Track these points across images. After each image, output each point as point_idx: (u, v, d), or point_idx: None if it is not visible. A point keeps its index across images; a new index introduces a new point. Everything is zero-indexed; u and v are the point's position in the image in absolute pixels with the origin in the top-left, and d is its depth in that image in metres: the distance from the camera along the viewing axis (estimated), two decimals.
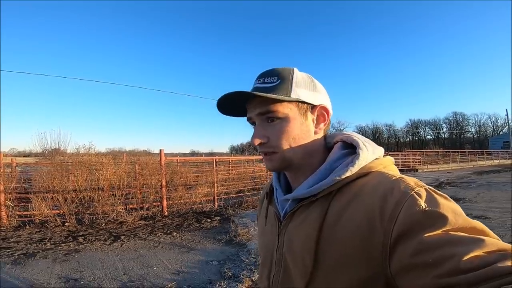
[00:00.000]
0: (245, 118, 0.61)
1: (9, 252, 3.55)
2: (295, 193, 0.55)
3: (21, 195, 5.43)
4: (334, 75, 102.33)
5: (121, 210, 5.38)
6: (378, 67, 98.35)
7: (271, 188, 0.67)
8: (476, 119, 61.39)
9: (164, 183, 6.02)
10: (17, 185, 5.38)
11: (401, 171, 16.66)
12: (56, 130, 15.92)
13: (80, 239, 4.16)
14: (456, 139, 60.54)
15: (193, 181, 6.83)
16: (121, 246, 3.95)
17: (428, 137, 64.92)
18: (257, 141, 0.55)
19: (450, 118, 63.79)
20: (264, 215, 0.68)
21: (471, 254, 0.34)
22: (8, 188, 5.06)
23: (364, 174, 0.51)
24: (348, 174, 0.50)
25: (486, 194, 8.23)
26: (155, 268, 3.17)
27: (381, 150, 0.56)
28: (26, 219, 5.05)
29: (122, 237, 4.30)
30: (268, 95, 0.52)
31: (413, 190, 0.43)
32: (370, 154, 0.53)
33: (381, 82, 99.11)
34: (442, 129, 64.72)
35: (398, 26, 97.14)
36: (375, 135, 67.66)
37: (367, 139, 0.57)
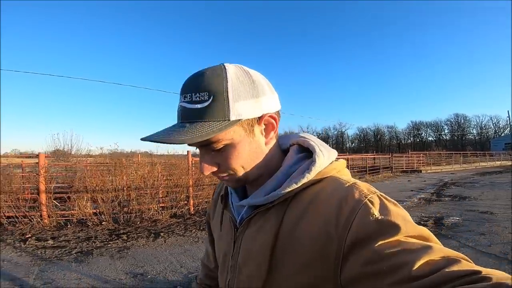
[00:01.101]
0: None
1: (65, 250, 3.80)
2: (251, 200, 0.54)
3: (59, 195, 5.71)
4: (335, 76, 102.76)
5: (155, 208, 5.69)
6: (379, 68, 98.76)
7: (226, 191, 0.64)
8: (478, 120, 62.14)
9: (191, 183, 6.34)
10: (56, 185, 5.67)
11: (405, 172, 17.10)
12: (69, 131, 16.20)
13: (124, 237, 4.45)
14: (458, 140, 61.02)
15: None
16: (165, 242, 4.25)
17: (430, 138, 65.51)
18: (207, 172, 0.51)
19: (452, 120, 64.50)
20: (219, 220, 0.66)
21: (422, 261, 0.35)
22: (49, 188, 5.34)
23: (318, 180, 0.50)
24: (304, 181, 0.49)
25: (490, 193, 8.63)
26: None
27: (334, 154, 0.56)
28: (64, 218, 5.32)
29: (162, 234, 4.60)
30: (203, 135, 0.44)
31: (366, 197, 0.44)
32: (325, 159, 0.52)
33: (382, 84, 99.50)
34: (444, 131, 65.34)
35: (399, 27, 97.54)
36: (377, 137, 68.18)
37: (322, 142, 0.57)
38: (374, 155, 19.07)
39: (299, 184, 0.49)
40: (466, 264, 0.36)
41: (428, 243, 0.39)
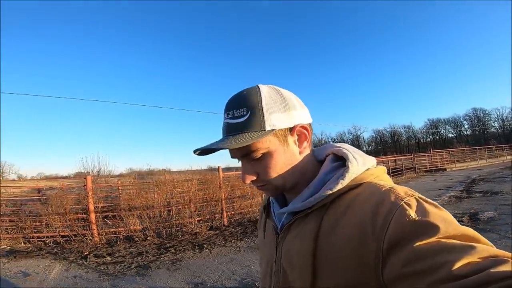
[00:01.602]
0: None
1: (124, 265, 4.08)
2: (290, 206, 0.57)
3: (106, 213, 6.12)
4: (346, 81, 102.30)
5: (194, 222, 6.01)
6: (391, 69, 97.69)
7: (268, 202, 0.70)
8: (498, 113, 60.19)
9: (223, 197, 6.65)
10: (103, 204, 6.11)
11: (429, 171, 16.85)
12: (96, 154, 17.04)
13: (172, 250, 4.73)
14: (480, 135, 59.32)
15: (249, 192, 7.47)
16: (211, 253, 4.51)
17: (450, 135, 63.79)
18: (248, 180, 0.56)
19: (470, 115, 62.73)
20: (262, 228, 0.70)
21: (464, 261, 0.35)
22: (97, 208, 5.76)
23: (355, 185, 0.52)
24: (339, 187, 0.51)
25: None
26: (253, 267, 3.72)
27: (372, 160, 0.58)
28: (112, 235, 5.68)
29: (205, 246, 4.86)
30: (242, 140, 0.51)
31: (403, 200, 0.45)
32: (360, 166, 0.54)
33: (395, 85, 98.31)
34: (463, 126, 63.54)
35: (410, 26, 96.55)
36: (394, 138, 66.90)
37: (357, 150, 0.59)
38: (394, 156, 18.79)
39: (334, 189, 0.51)
40: None
41: (471, 243, 0.38)
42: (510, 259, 0.35)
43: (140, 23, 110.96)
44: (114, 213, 6.09)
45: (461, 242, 0.38)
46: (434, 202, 0.45)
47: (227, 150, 0.55)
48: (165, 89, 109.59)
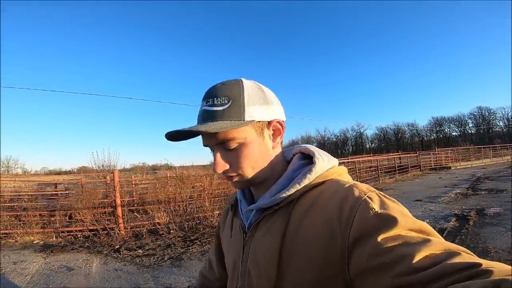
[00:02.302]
0: None
1: (157, 257, 4.31)
2: (258, 203, 0.58)
3: (130, 207, 6.45)
4: (350, 76, 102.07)
5: (215, 215, 6.32)
6: (395, 67, 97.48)
7: (236, 200, 0.70)
8: (504, 112, 60.19)
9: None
10: (129, 199, 6.43)
11: (434, 169, 17.06)
12: (106, 149, 17.22)
13: (198, 242, 4.99)
14: (485, 134, 59.30)
15: None
16: None
17: (454, 133, 63.76)
18: (219, 170, 0.55)
19: (475, 114, 62.84)
20: (229, 227, 0.70)
21: (423, 254, 0.37)
22: (123, 202, 6.06)
23: (321, 182, 0.54)
24: (306, 181, 0.53)
25: None
26: None
27: (335, 161, 0.60)
28: (137, 229, 5.94)
29: None
30: (222, 126, 0.50)
31: (366, 194, 0.47)
32: (326, 163, 0.56)
33: (399, 82, 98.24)
34: (468, 125, 63.57)
35: (415, 25, 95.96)
36: (397, 135, 66.86)
37: (322, 151, 0.61)
38: (399, 154, 18.98)
39: (302, 185, 0.53)
40: (467, 257, 0.36)
41: (428, 237, 0.40)
42: (462, 252, 0.37)
43: (155, 22, 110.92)
44: (138, 207, 6.40)
45: (419, 235, 0.41)
46: (392, 198, 0.48)
47: (200, 136, 0.55)
48: (163, 83, 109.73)
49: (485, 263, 0.34)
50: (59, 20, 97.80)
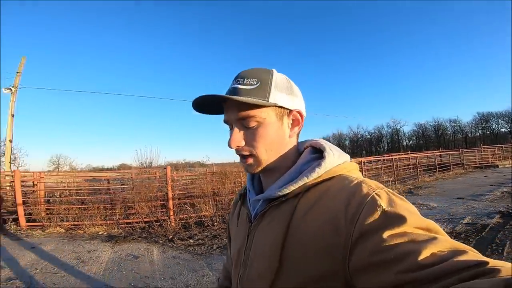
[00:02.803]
0: None
1: (207, 247, 4.74)
2: (265, 194, 0.58)
3: (181, 201, 7.04)
4: (386, 74, 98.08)
5: None
6: (436, 59, 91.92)
7: (244, 189, 0.71)
8: None
9: None
10: (179, 192, 7.15)
11: (479, 167, 16.20)
12: (149, 147, 18.35)
13: None
14: None
15: None
16: None
17: (503, 130, 58.82)
18: (234, 145, 0.56)
19: None
20: (236, 216, 0.71)
21: (428, 251, 0.37)
22: (174, 195, 6.69)
23: (329, 177, 0.54)
24: (315, 175, 0.53)
25: None
26: None
27: (346, 156, 0.60)
28: (185, 221, 6.47)
29: None
30: (247, 99, 0.53)
31: (374, 191, 0.47)
32: (336, 159, 0.56)
33: (440, 76, 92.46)
34: None
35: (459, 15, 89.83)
36: (438, 132, 63.13)
37: (334, 146, 0.61)
38: (440, 151, 18.16)
39: (310, 178, 0.53)
40: (473, 255, 0.36)
41: (434, 235, 0.40)
42: (468, 251, 0.37)
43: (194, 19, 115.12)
44: (186, 201, 7.00)
45: (425, 233, 0.40)
46: (400, 196, 0.47)
47: (223, 114, 0.59)
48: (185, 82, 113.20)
49: (492, 262, 0.34)
50: (108, 21, 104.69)
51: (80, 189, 8.27)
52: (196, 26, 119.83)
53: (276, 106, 0.57)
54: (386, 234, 0.40)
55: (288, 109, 0.59)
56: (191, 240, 5.21)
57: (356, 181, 0.51)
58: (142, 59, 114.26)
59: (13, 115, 11.56)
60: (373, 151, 70.22)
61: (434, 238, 0.39)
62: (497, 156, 18.42)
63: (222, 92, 0.59)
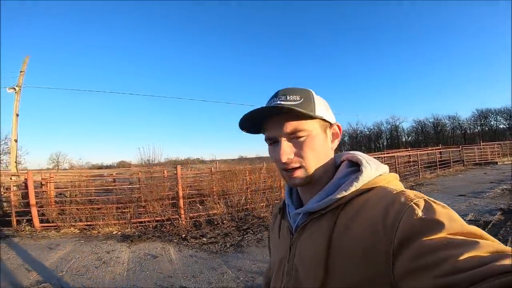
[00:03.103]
0: None
1: (221, 244, 4.85)
2: (305, 207, 0.60)
3: (191, 199, 7.15)
4: (381, 66, 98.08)
5: (262, 207, 6.95)
6: (435, 54, 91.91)
7: (284, 204, 0.72)
8: None
9: (283, 184, 7.49)
10: (190, 191, 7.35)
11: (478, 164, 16.39)
12: (151, 144, 18.29)
13: (250, 231, 5.53)
14: None
15: None
16: None
17: (501, 126, 59.09)
18: (285, 158, 0.57)
19: None
20: (277, 229, 0.73)
21: (468, 255, 0.36)
22: (185, 194, 6.81)
23: (368, 189, 0.55)
24: (353, 189, 0.55)
25: None
26: None
27: (385, 168, 0.61)
28: (194, 220, 6.57)
29: None
30: (303, 111, 0.54)
31: (412, 201, 0.47)
32: (373, 171, 0.58)
33: (439, 72, 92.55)
34: None
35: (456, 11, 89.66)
36: (437, 128, 63.30)
37: (371, 158, 0.62)
38: (440, 148, 18.37)
39: (348, 191, 0.55)
40: None
41: (476, 239, 0.39)
42: None
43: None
44: (195, 199, 7.16)
45: (467, 238, 0.40)
46: (442, 203, 0.47)
47: (267, 128, 0.60)
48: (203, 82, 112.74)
49: None
50: (112, 20, 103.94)
51: (90, 189, 8.31)
52: (186, 22, 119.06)
53: (321, 119, 0.60)
54: (425, 240, 0.41)
55: (329, 122, 0.63)
56: (204, 239, 5.34)
57: (395, 192, 0.52)
58: (138, 57, 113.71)
59: (17, 115, 11.61)
60: (372, 148, 70.57)
61: (476, 243, 0.38)
62: (496, 153, 18.62)
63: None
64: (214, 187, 7.23)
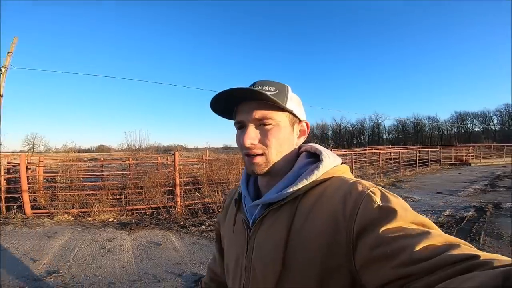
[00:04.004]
0: None
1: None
2: (265, 198, 0.59)
3: (187, 187, 7.09)
4: (367, 64, 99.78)
5: None
6: (418, 56, 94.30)
7: (239, 195, 0.70)
8: None
9: None
10: (186, 179, 7.33)
11: (454, 165, 17.35)
12: (138, 130, 17.68)
13: None
14: (509, 131, 57.23)
15: None
16: None
17: (476, 129, 62.15)
18: (248, 142, 0.57)
19: (502, 110, 60.74)
20: (231, 222, 0.70)
21: (422, 245, 0.38)
22: (181, 182, 6.83)
23: (326, 179, 0.57)
24: (314, 177, 0.55)
25: None
26: None
27: (339, 160, 0.62)
28: (189, 208, 6.57)
29: None
30: (273, 98, 0.55)
31: (369, 189, 0.49)
32: (331, 161, 0.59)
33: (422, 73, 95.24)
34: (492, 122, 61.64)
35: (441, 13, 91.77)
36: (417, 128, 65.46)
37: (328, 150, 0.64)
38: (419, 147, 19.19)
39: (309, 180, 0.56)
40: (467, 249, 0.37)
41: (428, 229, 0.42)
42: (461, 244, 0.38)
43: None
44: (190, 187, 7.18)
45: (419, 228, 0.42)
46: (394, 194, 0.50)
47: (237, 112, 0.61)
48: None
49: (484, 255, 0.35)
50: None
51: (82, 174, 7.89)
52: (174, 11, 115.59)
53: (291, 113, 0.61)
54: (382, 229, 0.42)
55: (298, 118, 0.64)
56: (203, 226, 5.42)
57: (351, 181, 0.54)
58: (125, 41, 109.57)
59: (1, 96, 11.18)
60: (355, 143, 72.26)
61: (428, 233, 0.40)
62: (470, 154, 19.61)
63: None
64: (211, 175, 7.27)
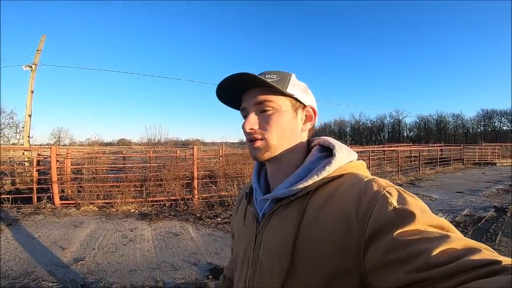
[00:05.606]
0: None
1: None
2: (274, 192, 0.58)
3: (204, 180, 7.35)
4: (388, 60, 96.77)
5: None
6: (442, 52, 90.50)
7: (250, 189, 0.69)
8: None
9: None
10: (204, 172, 7.58)
11: (478, 164, 16.59)
12: (157, 124, 18.15)
13: None
14: None
15: None
16: None
17: (505, 128, 59.22)
18: (248, 127, 0.58)
19: None
20: (242, 216, 0.70)
21: (440, 249, 0.36)
22: (199, 175, 7.05)
23: (339, 175, 0.54)
24: (325, 174, 0.53)
25: None
26: None
27: (355, 155, 0.60)
28: (206, 200, 6.73)
29: None
30: (269, 82, 0.55)
31: (385, 189, 0.46)
32: (345, 157, 0.57)
33: (447, 69, 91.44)
34: None
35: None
36: (440, 125, 63.16)
37: (343, 144, 0.61)
38: (441, 145, 18.59)
39: (320, 176, 0.53)
40: (487, 254, 0.36)
41: (447, 233, 0.39)
42: (482, 249, 0.36)
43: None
44: (207, 180, 7.39)
45: (437, 231, 0.40)
46: (412, 194, 0.47)
47: (242, 101, 0.62)
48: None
49: (505, 260, 0.33)
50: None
51: (106, 166, 8.37)
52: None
53: (292, 97, 0.60)
54: (398, 232, 0.40)
55: (303, 103, 0.63)
56: (218, 219, 5.59)
57: (366, 179, 0.52)
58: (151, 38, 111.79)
59: (32, 92, 11.88)
60: (374, 140, 70.80)
61: (447, 236, 0.38)
62: (496, 154, 18.79)
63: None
64: (227, 170, 7.46)
